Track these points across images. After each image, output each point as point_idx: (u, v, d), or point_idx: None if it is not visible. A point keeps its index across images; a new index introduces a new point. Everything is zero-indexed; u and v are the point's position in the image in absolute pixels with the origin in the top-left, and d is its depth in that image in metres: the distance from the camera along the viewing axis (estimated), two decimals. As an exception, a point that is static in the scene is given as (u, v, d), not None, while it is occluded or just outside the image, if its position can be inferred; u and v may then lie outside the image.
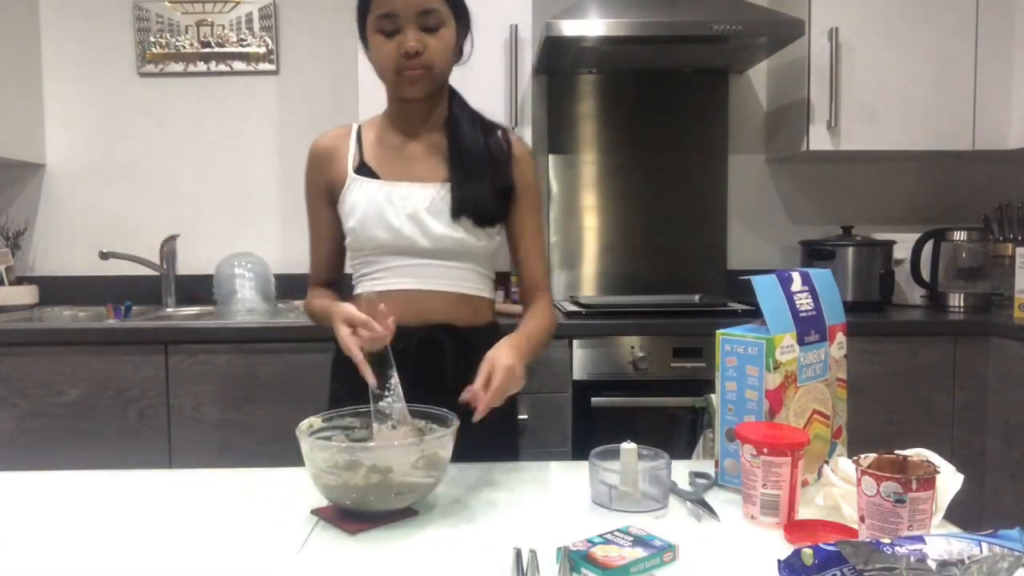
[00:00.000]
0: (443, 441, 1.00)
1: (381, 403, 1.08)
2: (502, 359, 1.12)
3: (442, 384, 1.24)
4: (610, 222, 2.85)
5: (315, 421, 1.08)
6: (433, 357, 1.28)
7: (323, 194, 1.37)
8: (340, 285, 1.44)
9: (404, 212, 1.28)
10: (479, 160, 1.31)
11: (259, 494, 1.11)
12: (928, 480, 0.85)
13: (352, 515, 0.99)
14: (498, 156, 1.33)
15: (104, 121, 2.84)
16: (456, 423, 1.04)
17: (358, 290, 1.36)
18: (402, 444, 1.01)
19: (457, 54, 1.32)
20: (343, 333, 1.12)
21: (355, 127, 1.38)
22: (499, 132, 1.36)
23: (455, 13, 1.26)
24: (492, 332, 1.36)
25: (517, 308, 1.44)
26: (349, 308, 1.13)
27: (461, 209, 1.28)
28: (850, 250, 2.57)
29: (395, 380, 1.10)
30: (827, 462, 1.07)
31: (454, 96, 1.37)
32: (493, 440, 1.31)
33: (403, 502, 1.00)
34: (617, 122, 2.84)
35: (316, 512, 1.02)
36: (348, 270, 1.43)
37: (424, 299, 1.30)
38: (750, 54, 2.59)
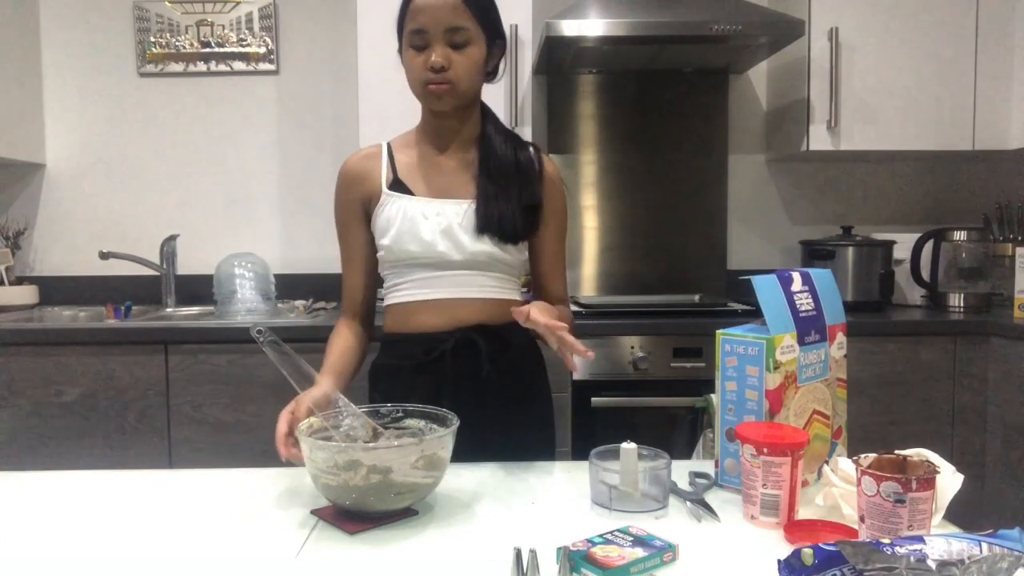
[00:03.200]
0: (443, 441, 1.00)
1: (342, 428, 1.08)
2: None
3: (478, 383, 1.27)
4: (610, 222, 2.85)
5: (315, 421, 1.08)
6: (468, 357, 1.30)
7: (356, 214, 1.37)
8: (372, 316, 1.42)
9: (438, 228, 1.30)
10: (508, 176, 1.33)
11: (259, 494, 1.11)
12: (928, 480, 0.84)
13: (352, 515, 0.99)
14: (528, 172, 1.35)
15: (104, 121, 2.84)
16: (456, 423, 1.04)
17: (388, 301, 1.38)
18: (402, 444, 1.01)
19: (490, 72, 1.35)
20: (280, 427, 1.09)
21: (385, 145, 1.40)
22: (531, 149, 1.38)
23: (487, 33, 1.28)
24: (522, 328, 1.36)
25: None
26: (301, 403, 1.11)
27: (485, 226, 1.30)
28: (850, 250, 2.57)
29: (342, 401, 1.10)
30: (827, 462, 1.07)
31: (487, 114, 1.39)
32: (532, 438, 1.36)
33: (403, 502, 1.00)
34: (617, 122, 2.84)
35: (316, 512, 1.02)
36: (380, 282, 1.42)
37: (455, 306, 1.32)
38: (750, 54, 2.59)
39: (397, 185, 1.34)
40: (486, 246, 1.30)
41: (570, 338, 1.09)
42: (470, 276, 1.32)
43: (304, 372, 1.12)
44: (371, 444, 1.06)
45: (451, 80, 1.26)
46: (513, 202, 1.31)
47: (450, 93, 1.27)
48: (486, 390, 1.28)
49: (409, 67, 1.29)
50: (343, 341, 1.36)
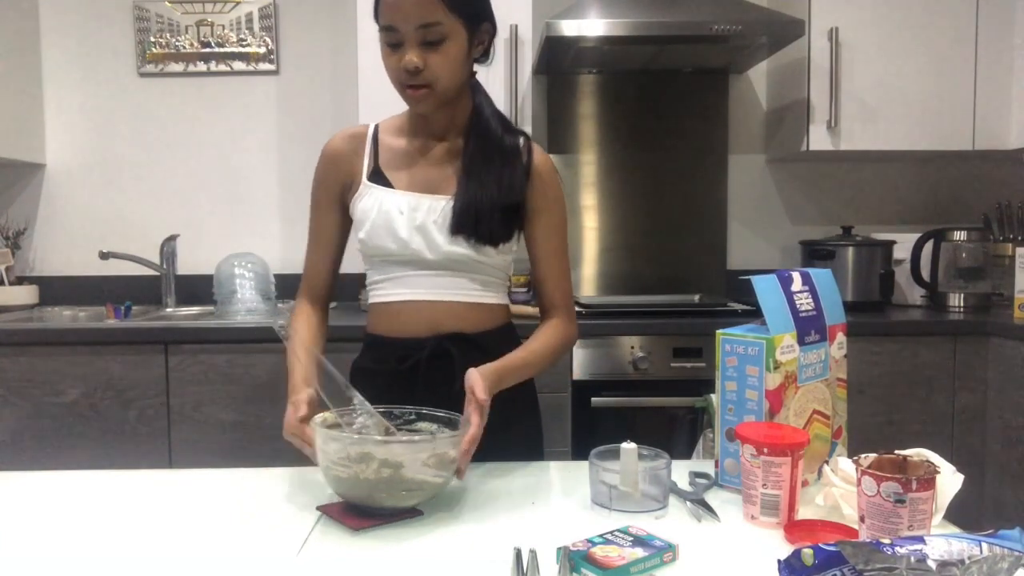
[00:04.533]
0: (455, 441, 1.00)
1: (355, 426, 1.07)
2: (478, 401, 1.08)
3: (452, 390, 1.22)
4: (610, 222, 2.85)
5: (329, 416, 1.07)
6: (443, 368, 1.25)
7: (333, 197, 1.33)
8: (329, 301, 1.40)
9: (413, 224, 1.25)
10: (491, 172, 1.25)
11: (259, 494, 1.10)
12: (928, 480, 0.85)
13: (357, 510, 0.98)
14: (513, 168, 1.27)
15: (104, 121, 2.84)
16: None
17: (370, 299, 1.34)
18: (414, 440, 1.01)
19: (479, 56, 1.26)
20: (289, 418, 1.10)
21: (372, 128, 1.33)
22: (520, 140, 1.30)
23: (466, 22, 1.19)
24: (504, 335, 1.34)
25: (532, 310, 1.42)
26: (300, 398, 1.11)
27: (460, 227, 1.23)
28: (850, 250, 2.57)
29: (358, 399, 1.08)
30: (827, 462, 1.07)
31: (477, 92, 1.31)
32: (518, 439, 1.32)
33: (412, 500, 0.99)
34: (617, 122, 2.84)
35: (322, 508, 1.02)
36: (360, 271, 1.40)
37: (433, 309, 1.27)
38: (750, 54, 2.59)
39: (377, 175, 1.28)
40: (461, 247, 1.24)
41: (466, 444, 1.02)
42: (448, 277, 1.27)
43: (329, 373, 1.10)
44: (384, 438, 1.05)
45: (428, 82, 1.18)
46: (493, 202, 1.24)
47: (429, 96, 1.20)
48: (457, 397, 1.16)
49: (386, 66, 1.21)
50: (303, 325, 1.33)
